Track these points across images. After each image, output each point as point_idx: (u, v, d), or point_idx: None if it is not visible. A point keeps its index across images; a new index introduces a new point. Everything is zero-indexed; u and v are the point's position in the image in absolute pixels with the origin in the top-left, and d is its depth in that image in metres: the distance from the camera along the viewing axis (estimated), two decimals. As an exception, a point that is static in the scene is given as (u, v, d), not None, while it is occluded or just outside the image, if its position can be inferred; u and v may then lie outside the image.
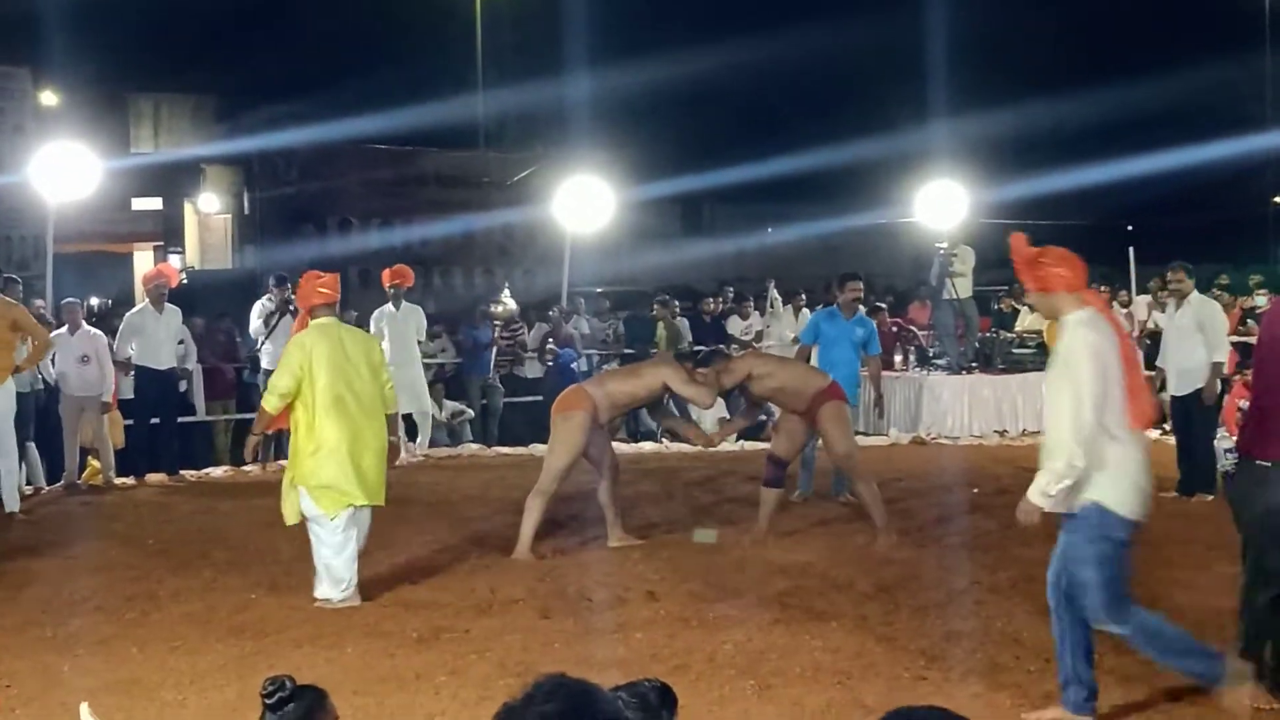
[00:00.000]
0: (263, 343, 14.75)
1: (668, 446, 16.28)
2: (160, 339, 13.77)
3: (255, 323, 14.88)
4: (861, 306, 13.31)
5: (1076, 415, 6.00)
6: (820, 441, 11.27)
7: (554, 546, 10.30)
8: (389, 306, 15.32)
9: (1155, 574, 9.10)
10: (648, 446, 16.22)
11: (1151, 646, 6.26)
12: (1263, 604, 6.33)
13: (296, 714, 3.94)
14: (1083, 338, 6.09)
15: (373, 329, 14.76)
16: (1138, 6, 38.71)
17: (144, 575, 9.67)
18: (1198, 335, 12.12)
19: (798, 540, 10.61)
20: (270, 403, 8.78)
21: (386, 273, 15.76)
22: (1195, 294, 12.46)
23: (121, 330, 13.93)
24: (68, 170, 14.18)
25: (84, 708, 6.06)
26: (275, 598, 8.98)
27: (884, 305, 19.54)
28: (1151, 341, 17.92)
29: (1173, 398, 12.56)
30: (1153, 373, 12.75)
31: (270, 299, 14.86)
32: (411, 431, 15.40)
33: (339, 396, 8.67)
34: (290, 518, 8.91)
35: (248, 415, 15.43)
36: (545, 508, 10.17)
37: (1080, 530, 6.13)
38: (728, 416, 16.88)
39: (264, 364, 14.78)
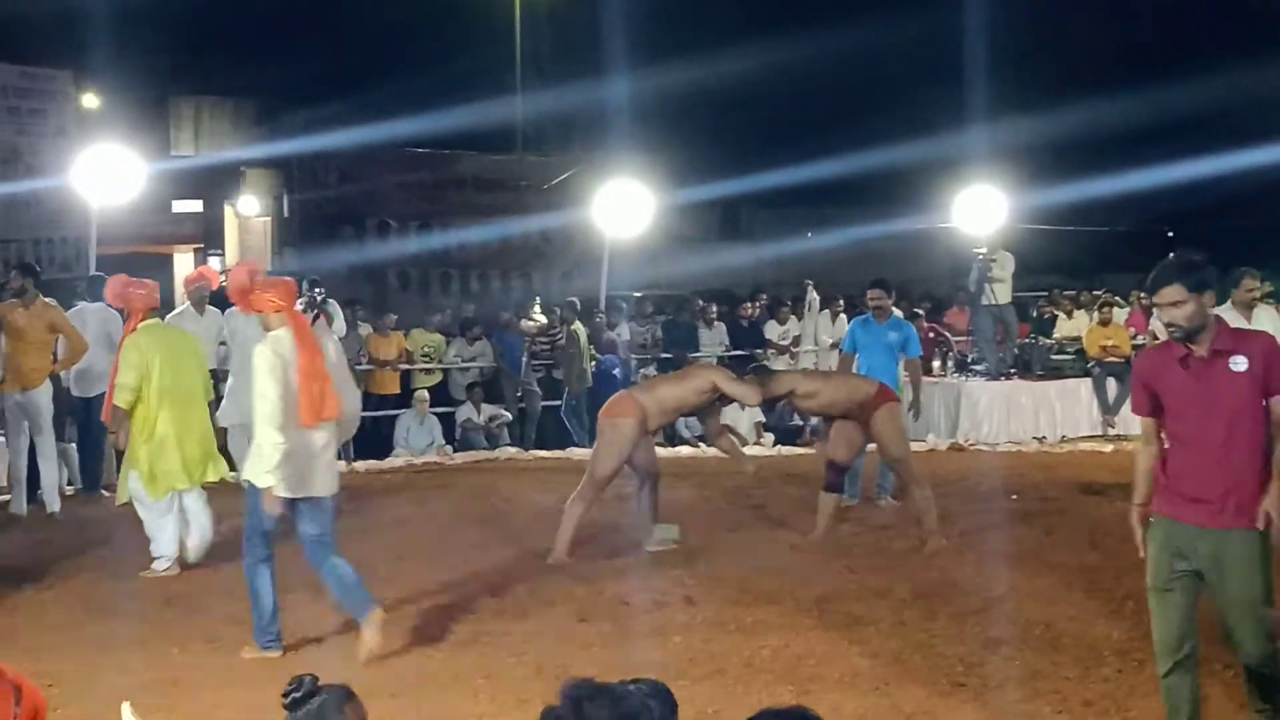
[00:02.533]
0: None
1: (705, 451, 16.28)
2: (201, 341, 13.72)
3: None
4: (897, 310, 13.31)
5: (266, 414, 7.41)
6: (866, 447, 11.31)
7: (591, 551, 10.30)
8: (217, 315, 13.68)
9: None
10: (685, 451, 16.22)
11: (252, 599, 7.82)
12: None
13: (314, 712, 3.89)
14: (261, 353, 7.53)
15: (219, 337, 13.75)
16: (1179, 9, 38.48)
17: (183, 575, 9.73)
18: None
19: (837, 545, 10.60)
20: (123, 399, 9.60)
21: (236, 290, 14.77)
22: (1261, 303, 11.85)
23: None
24: (111, 173, 14.26)
25: (125, 707, 6.10)
26: (313, 599, 9.00)
27: (921, 311, 19.49)
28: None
29: None
30: None
31: (303, 302, 14.85)
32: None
33: (167, 389, 9.65)
34: (121, 498, 9.98)
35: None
36: (586, 513, 10.17)
37: (249, 498, 7.69)
38: (765, 421, 16.96)
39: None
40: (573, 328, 17.12)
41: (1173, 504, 5.75)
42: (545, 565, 9.88)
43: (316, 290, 14.79)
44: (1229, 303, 11.26)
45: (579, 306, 17.81)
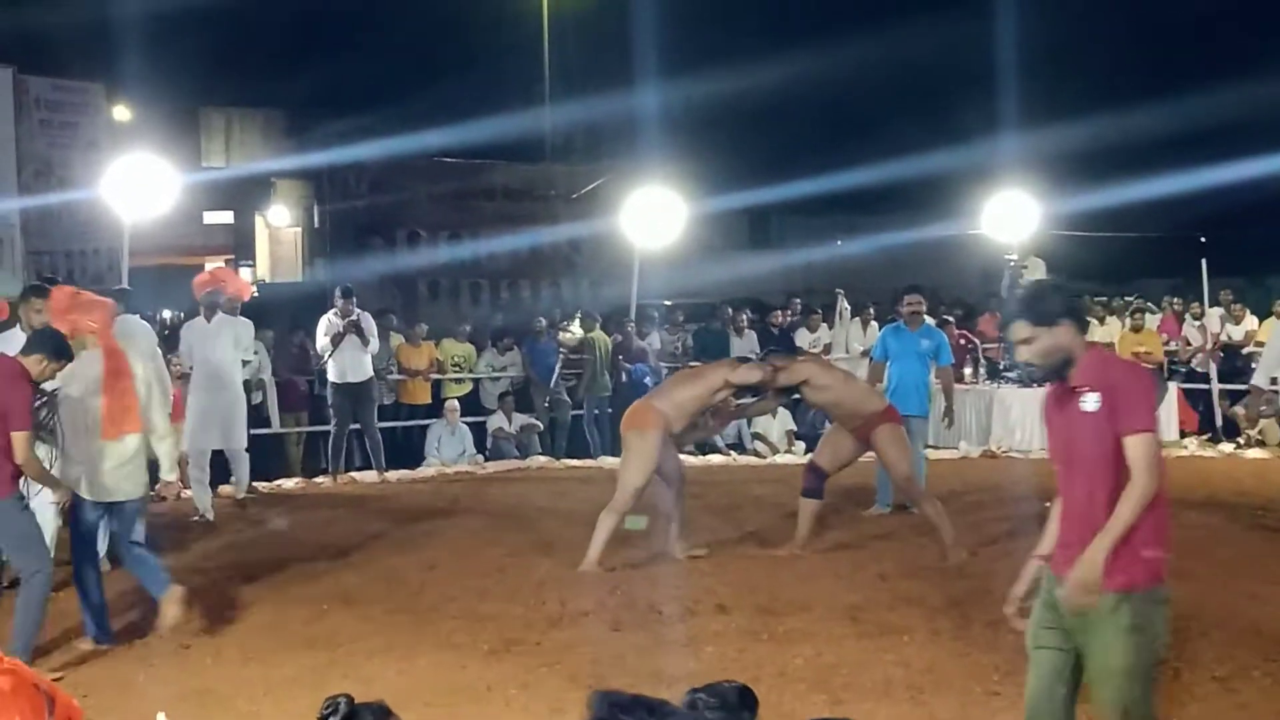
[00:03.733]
0: (327, 359, 14.78)
1: (736, 460, 16.26)
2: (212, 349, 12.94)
3: (322, 340, 14.88)
4: (929, 318, 13.28)
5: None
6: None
7: (623, 559, 10.29)
8: (199, 319, 13.13)
9: (1233, 586, 9.05)
10: (716, 459, 16.21)
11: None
12: None
13: None
14: (68, 370, 8.01)
15: (181, 346, 13.19)
16: (1210, 15, 38.33)
17: (217, 586, 9.74)
18: None
19: (869, 553, 10.57)
20: None
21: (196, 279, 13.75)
22: None
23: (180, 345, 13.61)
24: (142, 185, 14.30)
25: (160, 718, 6.12)
26: (348, 609, 9.04)
27: (951, 318, 19.45)
28: (1225, 355, 17.74)
29: None
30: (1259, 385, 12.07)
31: (336, 313, 14.84)
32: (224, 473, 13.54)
33: None
34: None
35: (321, 427, 15.55)
36: (618, 525, 10.16)
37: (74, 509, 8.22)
38: (796, 429, 16.92)
39: (330, 377, 14.84)
40: (591, 335, 17.13)
41: (1055, 552, 5.19)
42: (577, 575, 9.87)
43: (350, 301, 14.80)
44: None
45: (599, 316, 17.82)
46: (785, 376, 10.50)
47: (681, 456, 15.22)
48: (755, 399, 11.53)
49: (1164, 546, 4.91)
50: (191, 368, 13.04)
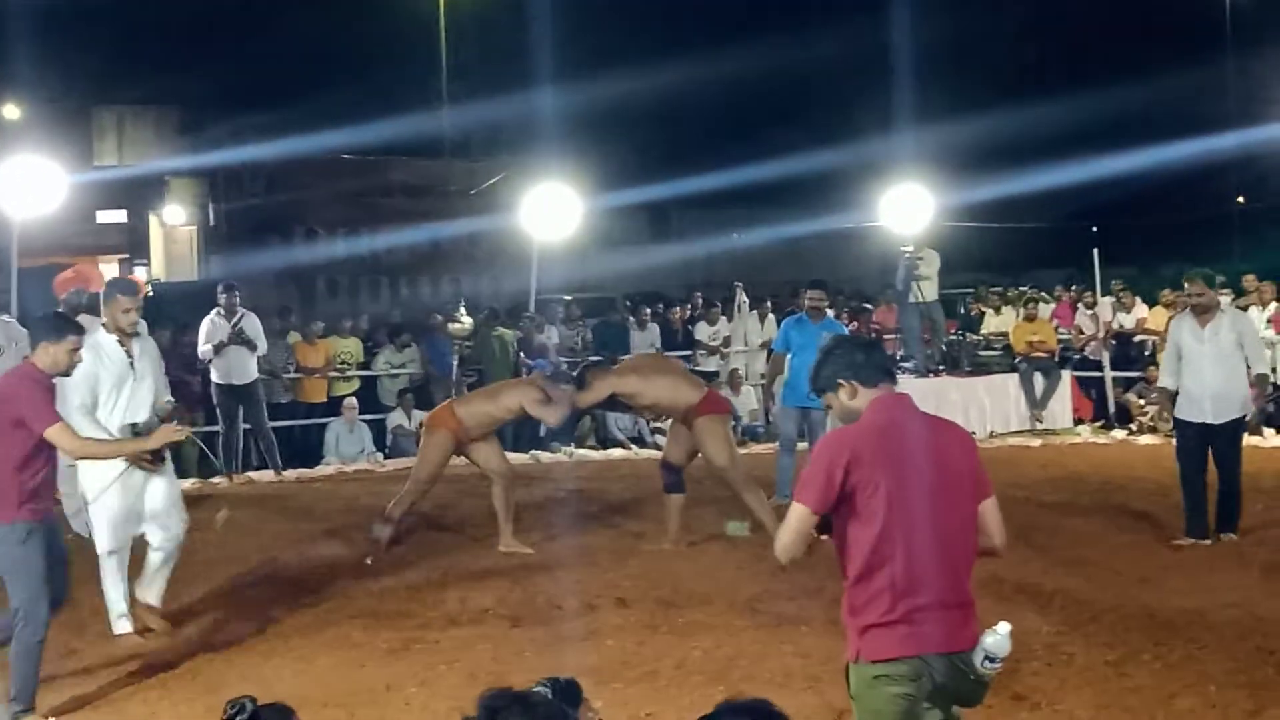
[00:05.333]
0: (209, 363, 14.53)
1: (637, 453, 16.27)
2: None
3: (204, 347, 14.57)
4: (830, 310, 13.39)
5: None
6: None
7: (523, 556, 10.30)
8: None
9: (1125, 571, 9.20)
10: (617, 453, 16.21)
11: None
12: None
13: None
14: None
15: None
16: (1099, 12, 38.90)
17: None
18: (1239, 353, 10.39)
19: (768, 545, 10.58)
20: None
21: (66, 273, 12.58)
22: (1228, 305, 11.20)
23: None
24: (31, 184, 14.05)
25: (52, 723, 6.04)
26: (244, 610, 8.96)
27: (870, 306, 19.66)
28: (1117, 342, 18.01)
29: (1205, 425, 10.42)
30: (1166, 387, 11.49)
31: (220, 312, 14.57)
32: None
33: None
34: None
35: (214, 428, 15.35)
36: (404, 514, 10.67)
37: None
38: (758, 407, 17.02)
39: (214, 378, 14.58)
40: (494, 333, 17.06)
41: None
42: (477, 571, 9.86)
43: (234, 295, 14.61)
44: (1187, 310, 10.80)
45: (499, 313, 17.77)
46: (590, 396, 10.58)
47: (582, 452, 15.37)
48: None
49: (872, 623, 4.86)
50: None
